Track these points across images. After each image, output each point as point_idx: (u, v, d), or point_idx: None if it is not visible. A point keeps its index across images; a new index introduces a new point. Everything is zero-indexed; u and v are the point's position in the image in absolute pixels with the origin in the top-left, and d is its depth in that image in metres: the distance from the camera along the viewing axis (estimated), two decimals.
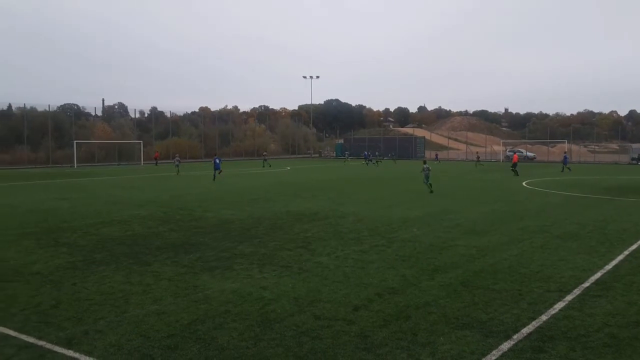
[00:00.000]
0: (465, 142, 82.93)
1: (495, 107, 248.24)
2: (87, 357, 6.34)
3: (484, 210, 19.74)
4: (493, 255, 12.11)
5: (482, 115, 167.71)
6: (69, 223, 16.63)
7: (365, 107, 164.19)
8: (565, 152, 52.05)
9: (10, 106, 65.34)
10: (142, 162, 56.16)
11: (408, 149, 79.18)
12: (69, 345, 6.69)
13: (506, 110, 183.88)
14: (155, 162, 56.26)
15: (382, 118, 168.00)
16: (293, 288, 9.29)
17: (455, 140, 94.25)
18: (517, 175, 39.14)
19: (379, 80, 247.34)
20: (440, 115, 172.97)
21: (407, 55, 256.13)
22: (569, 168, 45.84)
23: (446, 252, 12.42)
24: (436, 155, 68.81)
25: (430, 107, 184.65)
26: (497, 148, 76.79)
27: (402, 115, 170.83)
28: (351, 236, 14.41)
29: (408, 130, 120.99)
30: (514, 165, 41.36)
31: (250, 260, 11.45)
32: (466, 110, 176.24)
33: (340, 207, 20.45)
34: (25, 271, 10.55)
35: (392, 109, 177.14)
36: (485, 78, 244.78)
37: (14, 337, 6.98)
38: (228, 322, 7.56)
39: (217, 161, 35.09)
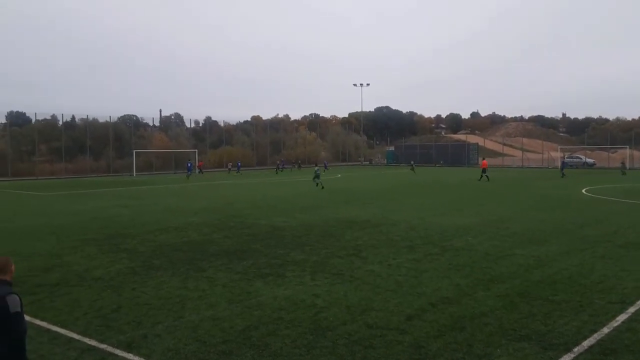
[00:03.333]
0: (521, 149, 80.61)
1: (552, 112, 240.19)
2: None
3: (542, 218, 19.14)
4: (552, 265, 11.73)
5: (539, 120, 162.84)
6: (129, 230, 17.22)
7: (416, 113, 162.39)
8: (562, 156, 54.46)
9: (73, 117, 68.26)
10: (196, 171, 57.57)
11: (461, 155, 77.71)
12: (129, 349, 6.92)
13: (564, 115, 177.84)
14: (199, 170, 57.47)
15: (433, 124, 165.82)
16: (345, 296, 9.29)
17: (510, 146, 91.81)
18: (488, 180, 40.22)
19: (430, 86, 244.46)
20: (495, 121, 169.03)
21: (458, 60, 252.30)
22: (624, 173, 46.50)
23: (502, 261, 12.12)
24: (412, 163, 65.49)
25: (483, 113, 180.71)
26: (555, 154, 74.35)
27: (454, 122, 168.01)
28: (403, 244, 14.27)
29: (460, 136, 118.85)
30: (484, 170, 42.16)
31: (302, 268, 11.52)
32: (521, 116, 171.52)
33: (391, 215, 20.29)
34: (87, 276, 10.99)
35: (443, 115, 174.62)
36: (541, 82, 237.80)
37: (77, 340, 7.28)
38: (281, 328, 7.63)
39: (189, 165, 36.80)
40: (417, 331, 7.47)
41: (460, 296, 9.25)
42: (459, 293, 9.45)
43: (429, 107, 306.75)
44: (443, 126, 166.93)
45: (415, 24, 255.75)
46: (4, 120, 65.22)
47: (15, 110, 77.86)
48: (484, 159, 47.38)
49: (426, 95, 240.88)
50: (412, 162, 65.12)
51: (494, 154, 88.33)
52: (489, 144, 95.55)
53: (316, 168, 37.85)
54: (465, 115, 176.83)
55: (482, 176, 41.45)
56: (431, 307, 8.59)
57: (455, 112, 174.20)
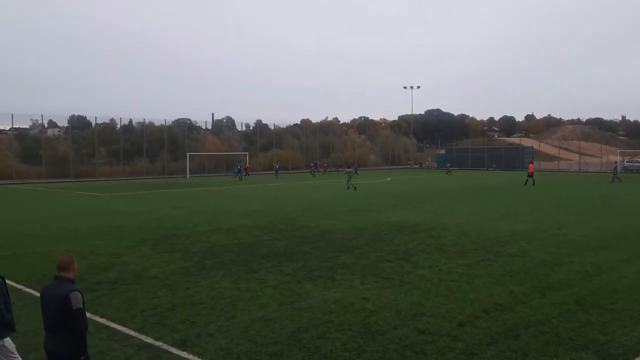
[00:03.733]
0: (578, 152, 77.87)
1: (611, 114, 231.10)
2: None
3: (601, 225, 18.43)
4: (611, 272, 11.29)
5: (597, 123, 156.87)
6: (183, 230, 17.67)
7: (468, 116, 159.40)
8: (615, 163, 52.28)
9: (131, 121, 70.65)
10: (244, 174, 58.53)
11: (514, 159, 75.69)
12: (183, 347, 7.10)
13: (623, 117, 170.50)
14: (246, 173, 58.31)
15: (486, 127, 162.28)
16: (395, 300, 9.22)
17: (567, 150, 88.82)
18: (534, 184, 39.25)
19: (482, 88, 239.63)
20: (550, 124, 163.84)
21: (512, 62, 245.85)
22: (619, 179, 44.63)
23: (559, 268, 11.74)
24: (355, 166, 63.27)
25: (538, 116, 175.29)
26: (614, 158, 71.36)
27: (507, 124, 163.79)
28: (455, 249, 14.04)
29: (514, 139, 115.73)
30: (530, 174, 41.08)
31: (352, 271, 11.51)
32: (578, 119, 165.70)
33: (442, 219, 20.00)
34: (144, 275, 11.35)
35: (496, 118, 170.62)
36: (599, 84, 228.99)
37: (134, 337, 7.53)
38: (331, 331, 7.65)
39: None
40: (469, 338, 7.33)
41: (514, 303, 9.02)
42: (513, 300, 9.22)
43: (482, 109, 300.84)
44: (496, 129, 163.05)
45: (466, 24, 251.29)
46: (66, 124, 68.24)
47: (76, 114, 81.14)
48: (530, 162, 46.62)
49: (478, 98, 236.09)
50: (448, 165, 64.25)
51: (550, 157, 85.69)
52: (545, 148, 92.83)
53: (348, 170, 40.22)
54: (520, 117, 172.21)
55: (527, 180, 40.67)
56: (484, 314, 8.42)
57: (508, 114, 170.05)
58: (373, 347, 7.02)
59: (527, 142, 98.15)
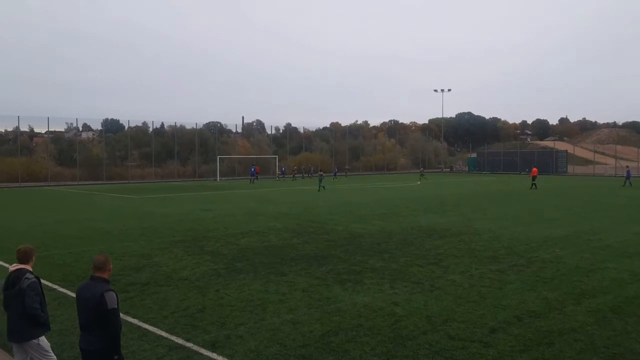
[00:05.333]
0: (614, 157, 75.85)
1: None
2: None
3: (638, 231, 17.92)
4: None
5: (634, 126, 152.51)
6: (213, 233, 17.85)
7: (500, 119, 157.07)
8: (627, 166, 51.00)
9: (162, 124, 71.91)
10: (277, 177, 58.82)
11: (548, 163, 74.23)
12: (213, 348, 7.16)
13: None
14: (255, 177, 58.53)
15: (518, 131, 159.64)
16: (425, 305, 9.13)
17: (602, 154, 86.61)
18: (536, 188, 39.40)
19: (515, 91, 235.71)
20: (585, 128, 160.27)
21: (544, 64, 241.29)
22: (630, 183, 43.94)
23: (594, 275, 11.46)
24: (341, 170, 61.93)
25: (572, 119, 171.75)
26: (624, 163, 69.35)
27: (540, 128, 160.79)
28: (486, 254, 13.83)
29: (548, 143, 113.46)
30: (533, 178, 40.95)
31: (381, 275, 11.45)
32: (614, 122, 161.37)
33: (473, 223, 19.74)
34: (175, 276, 11.49)
35: (529, 121, 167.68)
36: (635, 85, 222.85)
37: (165, 338, 7.62)
38: (360, 335, 7.62)
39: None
40: (501, 345, 7.21)
41: (547, 310, 8.84)
42: (547, 307, 9.04)
43: (514, 113, 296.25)
44: (529, 132, 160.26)
45: (498, 26, 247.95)
46: (100, 127, 69.72)
47: (109, 117, 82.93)
48: (534, 166, 46.04)
49: (511, 101, 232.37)
50: (422, 169, 64.03)
51: (585, 161, 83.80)
52: (579, 152, 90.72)
53: (320, 173, 43.03)
54: (553, 121, 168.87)
55: (532, 185, 40.26)
56: (517, 321, 8.26)
57: (542, 118, 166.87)
58: (403, 352, 6.96)
59: (560, 145, 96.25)
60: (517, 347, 7.12)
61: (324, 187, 40.06)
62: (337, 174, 62.30)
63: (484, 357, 6.80)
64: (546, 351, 6.98)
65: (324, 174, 43.83)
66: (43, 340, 5.65)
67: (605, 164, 77.05)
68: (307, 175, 61.93)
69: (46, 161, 53.89)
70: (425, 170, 64.63)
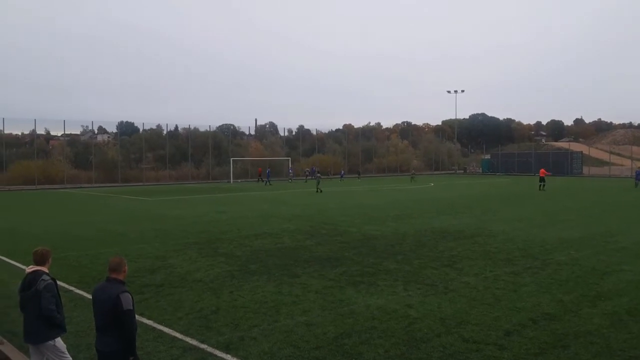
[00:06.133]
0: (630, 157, 75.03)
1: None
2: None
3: None
4: None
5: None
6: (226, 235, 17.92)
7: (514, 120, 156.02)
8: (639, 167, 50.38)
9: (177, 127, 72.40)
10: (289, 179, 58.95)
11: (563, 164, 73.56)
12: (227, 350, 7.19)
13: None
14: (259, 178, 58.58)
15: (532, 132, 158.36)
16: (439, 308, 9.09)
17: (618, 155, 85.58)
18: (543, 189, 39.27)
19: (529, 92, 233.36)
20: (600, 128, 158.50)
21: (558, 64, 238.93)
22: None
23: (610, 277, 11.34)
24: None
25: (588, 120, 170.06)
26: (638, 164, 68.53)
27: (555, 129, 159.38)
28: (501, 256, 13.74)
29: (563, 144, 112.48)
30: (541, 179, 40.80)
31: (395, 277, 11.42)
32: (630, 122, 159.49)
33: (487, 225, 19.62)
34: (189, 278, 11.56)
35: (544, 122, 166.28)
36: None
37: (180, 339, 7.67)
38: (374, 338, 7.60)
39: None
40: (516, 347, 7.16)
41: (563, 312, 8.76)
42: (562, 309, 8.95)
43: (528, 114, 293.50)
44: (543, 133, 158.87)
45: (511, 27, 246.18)
46: (115, 130, 70.36)
47: (124, 120, 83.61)
48: (542, 167, 45.65)
49: (525, 102, 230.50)
50: (413, 171, 62.98)
51: (600, 162, 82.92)
52: (594, 153, 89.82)
53: (318, 175, 43.79)
54: (568, 122, 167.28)
55: (540, 185, 40.23)
56: (531, 323, 8.20)
57: (556, 118, 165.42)
58: (416, 355, 6.94)
59: (576, 146, 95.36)
60: (532, 350, 7.06)
61: (320, 190, 39.77)
62: (344, 176, 62.57)
63: (498, 359, 6.75)
64: (562, 354, 6.92)
65: (321, 176, 44.11)
66: (59, 342, 5.71)
67: (621, 165, 76.19)
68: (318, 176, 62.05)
69: (62, 164, 54.49)
70: (416, 173, 63.41)
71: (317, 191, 39.26)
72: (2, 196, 39.29)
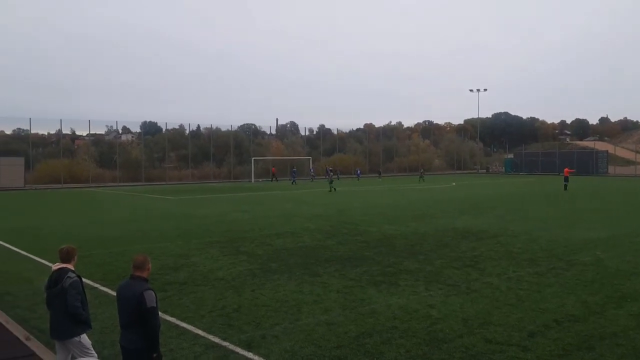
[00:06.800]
0: None
1: None
2: None
3: None
4: None
5: None
6: (248, 233, 18.03)
7: (537, 119, 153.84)
8: None
9: (199, 127, 73.09)
10: (312, 178, 59.02)
11: (588, 163, 72.31)
12: (248, 348, 7.24)
13: None
14: (273, 177, 58.79)
15: (557, 131, 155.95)
16: (461, 308, 9.02)
17: None
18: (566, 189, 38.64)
19: (553, 90, 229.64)
20: (626, 127, 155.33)
21: (584, 62, 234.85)
22: None
23: (636, 278, 11.13)
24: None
25: (613, 118, 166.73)
26: None
27: (580, 128, 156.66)
28: (524, 257, 13.57)
29: (588, 143, 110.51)
30: (566, 179, 40.05)
31: (416, 277, 11.36)
32: None
33: (510, 225, 19.39)
34: (211, 276, 11.66)
35: (568, 121, 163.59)
36: None
37: (202, 337, 7.74)
38: (395, 337, 7.58)
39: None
40: (540, 349, 7.07)
41: (588, 314, 8.62)
42: (587, 310, 8.82)
43: (552, 112, 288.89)
44: (568, 132, 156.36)
45: (534, 24, 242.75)
46: (138, 130, 71.31)
47: (148, 120, 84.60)
48: (566, 166, 44.85)
49: (549, 101, 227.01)
50: (421, 170, 61.72)
51: (626, 162, 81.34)
52: (620, 152, 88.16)
53: (331, 174, 43.98)
54: (593, 120, 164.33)
55: (565, 185, 39.48)
56: (555, 325, 8.09)
57: (581, 117, 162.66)
58: (438, 355, 6.90)
59: (601, 146, 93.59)
60: (556, 352, 6.97)
61: (335, 188, 40.07)
62: (360, 175, 62.63)
63: None
64: (586, 356, 6.82)
65: (333, 175, 44.12)
66: (84, 338, 5.81)
67: None
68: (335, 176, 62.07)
69: (87, 163, 55.39)
70: (424, 172, 62.23)
71: (330, 190, 39.30)
72: (29, 195, 40.12)
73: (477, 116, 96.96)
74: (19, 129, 63.32)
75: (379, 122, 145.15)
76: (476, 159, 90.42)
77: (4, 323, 8.36)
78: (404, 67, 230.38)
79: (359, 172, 63.49)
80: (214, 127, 68.82)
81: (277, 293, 10.13)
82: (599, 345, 7.18)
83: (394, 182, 55.17)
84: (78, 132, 69.78)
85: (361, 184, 50.92)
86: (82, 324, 5.72)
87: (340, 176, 43.49)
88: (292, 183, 51.80)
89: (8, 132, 62.27)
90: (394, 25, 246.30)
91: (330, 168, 49.21)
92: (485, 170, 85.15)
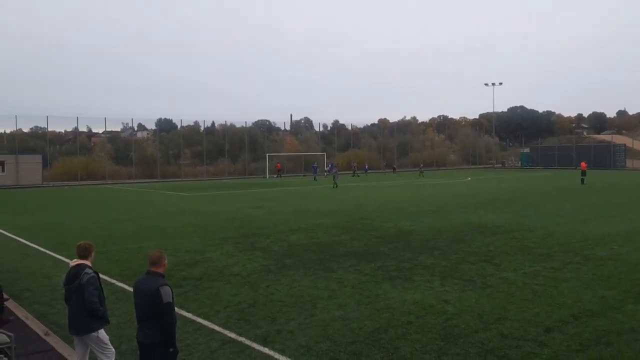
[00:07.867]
0: None
1: None
2: (281, 356, 6.84)
3: None
4: None
5: None
6: (263, 229, 18.10)
7: (554, 113, 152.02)
8: None
9: (213, 123, 73.43)
10: (325, 174, 58.99)
11: (605, 157, 71.44)
12: (264, 343, 7.28)
13: None
14: (278, 174, 58.86)
15: (573, 124, 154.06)
16: (477, 303, 8.98)
17: None
18: (582, 183, 38.47)
19: (570, 83, 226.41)
20: None
21: (601, 54, 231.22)
22: None
23: None
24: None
25: (631, 111, 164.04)
26: None
27: (597, 121, 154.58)
28: (540, 252, 13.46)
29: (605, 137, 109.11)
30: (583, 173, 39.99)
31: (431, 272, 11.33)
32: None
33: (526, 220, 19.23)
34: (227, 272, 11.73)
35: (585, 114, 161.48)
36: None
37: (219, 332, 7.80)
38: (410, 333, 7.57)
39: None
40: (557, 344, 7.01)
41: (605, 309, 8.53)
42: (604, 305, 8.72)
43: (569, 106, 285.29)
44: (585, 126, 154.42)
45: (554, 17, 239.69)
46: (153, 127, 71.82)
47: (163, 117, 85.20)
48: (582, 160, 44.37)
49: (565, 94, 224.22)
50: (421, 165, 61.17)
51: None
52: (638, 145, 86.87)
53: (335, 170, 44.18)
54: (611, 114, 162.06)
55: (582, 180, 39.17)
56: (573, 320, 8.02)
57: (598, 110, 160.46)
58: (454, 350, 6.88)
59: (619, 139, 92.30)
60: (573, 347, 6.91)
61: (336, 184, 40.09)
62: (368, 171, 62.95)
63: (538, 356, 6.63)
64: (604, 351, 6.75)
65: (338, 171, 44.17)
66: (102, 333, 5.88)
67: None
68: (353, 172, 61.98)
69: (104, 160, 55.96)
70: (424, 168, 61.65)
71: (333, 187, 39.28)
72: (47, 192, 40.64)
73: (492, 110, 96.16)
74: (37, 127, 64.29)
75: (393, 117, 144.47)
76: (492, 153, 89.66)
77: (23, 319, 8.50)
78: (418, 61, 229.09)
79: (366, 167, 63.63)
80: (228, 123, 69.16)
81: (292, 289, 10.16)
82: (617, 341, 7.11)
83: (408, 177, 54.96)
84: (94, 130, 70.68)
85: (369, 180, 50.78)
86: (99, 319, 5.79)
87: (339, 172, 43.46)
88: (314, 179, 51.80)
89: (26, 130, 63.22)
90: (410, 20, 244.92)
91: (335, 164, 49.32)
92: (501, 165, 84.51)
